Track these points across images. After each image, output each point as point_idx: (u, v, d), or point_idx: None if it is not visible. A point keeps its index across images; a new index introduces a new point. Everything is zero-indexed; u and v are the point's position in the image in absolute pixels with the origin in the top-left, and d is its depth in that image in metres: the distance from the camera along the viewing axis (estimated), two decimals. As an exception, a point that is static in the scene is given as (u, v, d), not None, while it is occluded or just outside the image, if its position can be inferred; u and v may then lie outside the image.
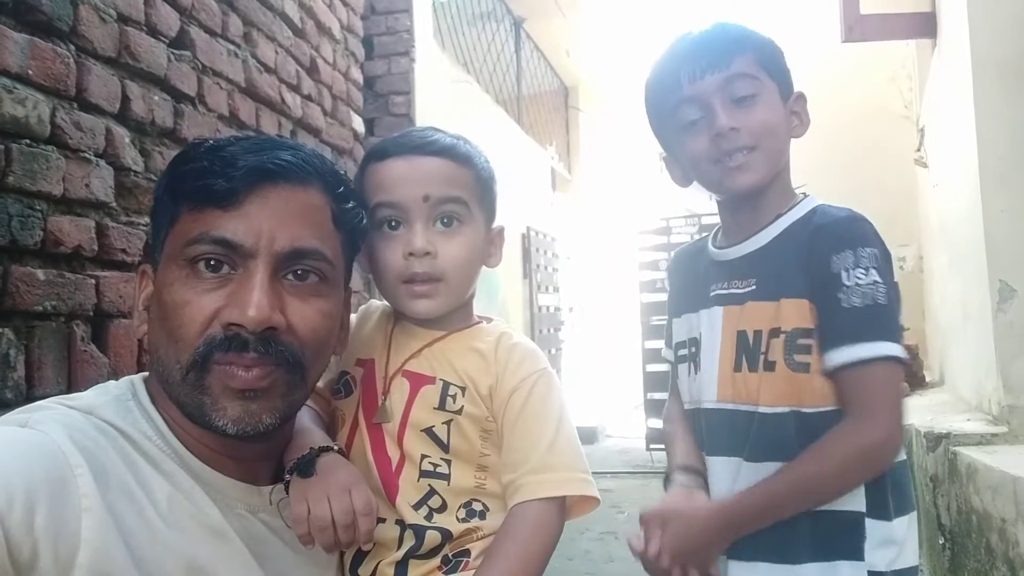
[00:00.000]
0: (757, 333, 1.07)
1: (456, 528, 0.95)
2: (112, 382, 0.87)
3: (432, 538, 0.94)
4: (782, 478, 1.02)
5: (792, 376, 1.03)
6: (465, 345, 1.02)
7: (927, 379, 4.18)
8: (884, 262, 1.02)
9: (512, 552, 0.91)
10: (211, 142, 0.85)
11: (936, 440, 2.43)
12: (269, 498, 0.88)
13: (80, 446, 0.72)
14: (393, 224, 1.00)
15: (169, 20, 1.98)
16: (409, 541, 0.94)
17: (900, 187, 5.09)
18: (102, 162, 1.69)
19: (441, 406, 0.97)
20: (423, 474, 0.96)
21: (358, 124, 3.30)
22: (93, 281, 1.63)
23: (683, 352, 1.21)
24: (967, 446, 2.27)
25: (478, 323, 1.07)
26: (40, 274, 1.49)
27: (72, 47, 1.62)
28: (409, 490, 0.95)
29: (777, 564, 1.04)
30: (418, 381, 0.99)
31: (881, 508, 1.04)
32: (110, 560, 0.69)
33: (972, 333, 2.80)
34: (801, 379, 1.03)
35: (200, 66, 2.11)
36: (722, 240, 1.18)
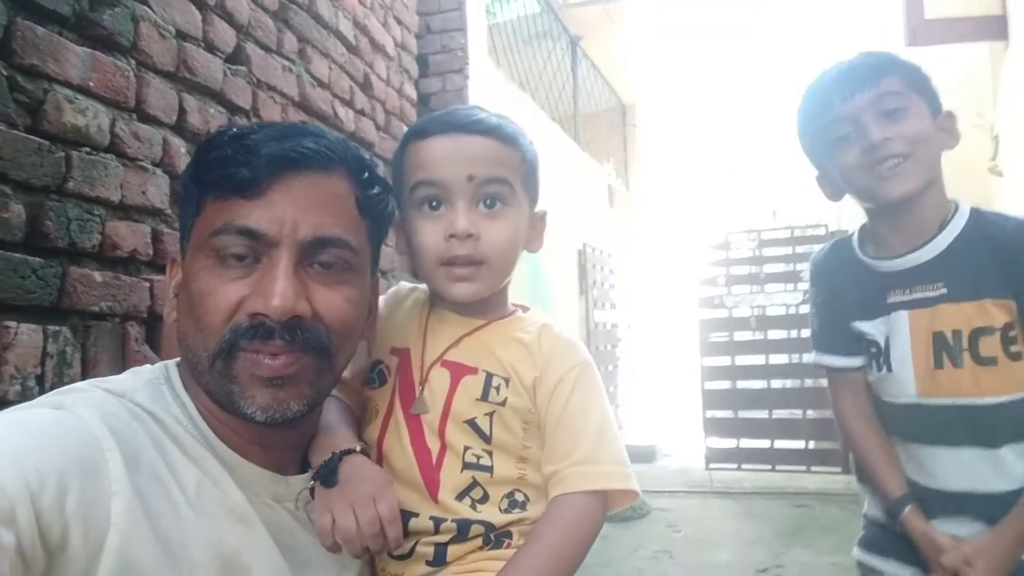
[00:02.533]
0: (956, 332, 1.18)
1: (499, 520, 0.93)
2: (147, 366, 0.88)
3: (476, 531, 0.92)
4: None
5: (1013, 366, 1.16)
6: (507, 335, 0.99)
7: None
8: None
9: (553, 540, 0.89)
10: (235, 130, 0.85)
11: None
12: (295, 490, 0.87)
13: (112, 429, 0.73)
14: (435, 204, 0.96)
15: (226, 37, 2.06)
16: (450, 532, 0.92)
17: (976, 198, 4.87)
18: (158, 171, 1.76)
19: (484, 397, 0.95)
20: (466, 466, 0.93)
21: (411, 139, 3.35)
22: (147, 284, 1.69)
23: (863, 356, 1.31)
24: None
25: (515, 312, 1.04)
26: (97, 276, 1.55)
27: (132, 61, 1.70)
28: (451, 482, 0.93)
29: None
30: (459, 371, 0.97)
31: None
32: (137, 544, 0.69)
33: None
34: (1019, 367, 1.16)
35: (255, 80, 2.19)
36: (880, 250, 1.28)
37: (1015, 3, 3.17)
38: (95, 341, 1.55)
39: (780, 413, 6.08)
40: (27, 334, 1.39)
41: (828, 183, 1.30)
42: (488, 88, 4.52)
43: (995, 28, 3.45)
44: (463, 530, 0.92)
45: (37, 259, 1.43)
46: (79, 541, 0.66)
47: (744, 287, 6.28)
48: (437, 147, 0.96)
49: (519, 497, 0.95)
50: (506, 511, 0.94)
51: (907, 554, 1.25)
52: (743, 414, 6.09)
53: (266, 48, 2.26)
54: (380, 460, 0.97)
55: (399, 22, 3.34)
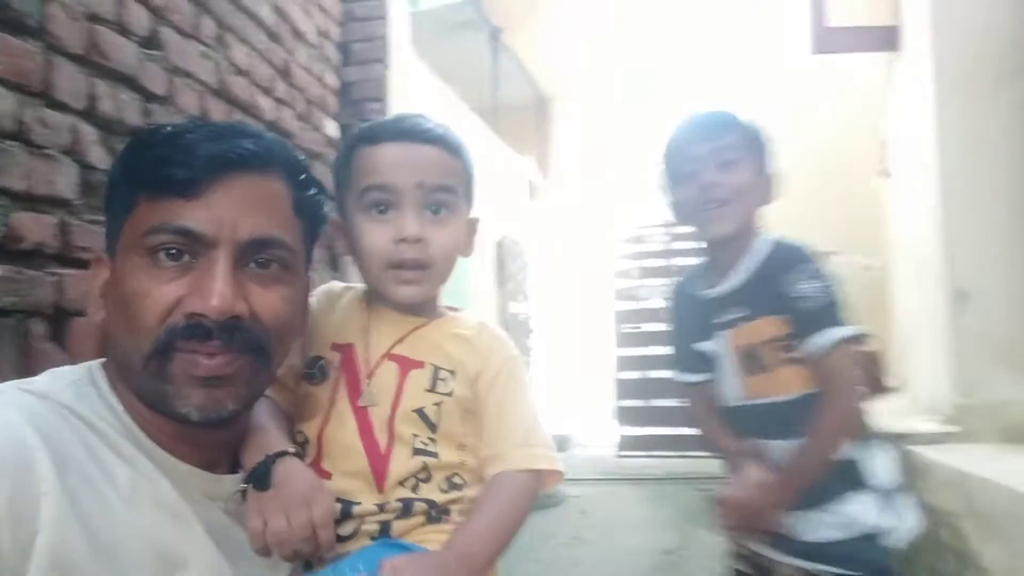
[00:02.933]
0: (758, 345, 1.42)
1: (440, 499, 0.98)
2: (67, 367, 0.86)
3: (419, 508, 0.97)
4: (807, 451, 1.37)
5: (791, 370, 1.38)
6: (449, 331, 1.06)
7: (889, 385, 4.25)
8: (822, 272, 1.38)
9: (498, 510, 0.97)
10: (169, 129, 0.84)
11: (892, 440, 2.48)
12: (227, 489, 0.88)
13: (38, 430, 0.72)
14: (383, 208, 1.01)
15: (141, 19, 1.98)
16: (394, 512, 0.96)
17: (865, 198, 5.20)
18: (68, 159, 1.69)
19: (432, 388, 1.00)
20: (416, 451, 0.98)
21: (332, 129, 3.31)
22: (53, 279, 1.62)
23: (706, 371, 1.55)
24: (921, 445, 2.33)
25: (453, 310, 1.11)
26: None
27: (41, 44, 1.63)
28: (401, 468, 0.97)
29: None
30: (407, 364, 1.01)
31: None
32: (70, 543, 0.69)
33: (931, 338, 2.87)
34: (793, 371, 1.38)
35: (172, 66, 2.11)
36: (708, 281, 1.52)
37: (908, 15, 3.41)
38: (-1, 337, 1.48)
39: (689, 401, 6.30)
40: (-75, 330, 1.32)
41: (675, 209, 1.54)
42: (410, 78, 4.49)
43: (890, 38, 3.69)
44: (407, 509, 0.97)
45: (-64, 252, 1.35)
46: (8, 543, 0.66)
47: (657, 279, 6.49)
48: (388, 153, 1.01)
49: (457, 480, 1.01)
50: (445, 491, 0.99)
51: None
52: (654, 403, 6.31)
53: (183, 33, 2.19)
54: (320, 454, 0.99)
55: (321, 9, 3.28)
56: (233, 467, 0.91)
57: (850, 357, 1.37)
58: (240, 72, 2.52)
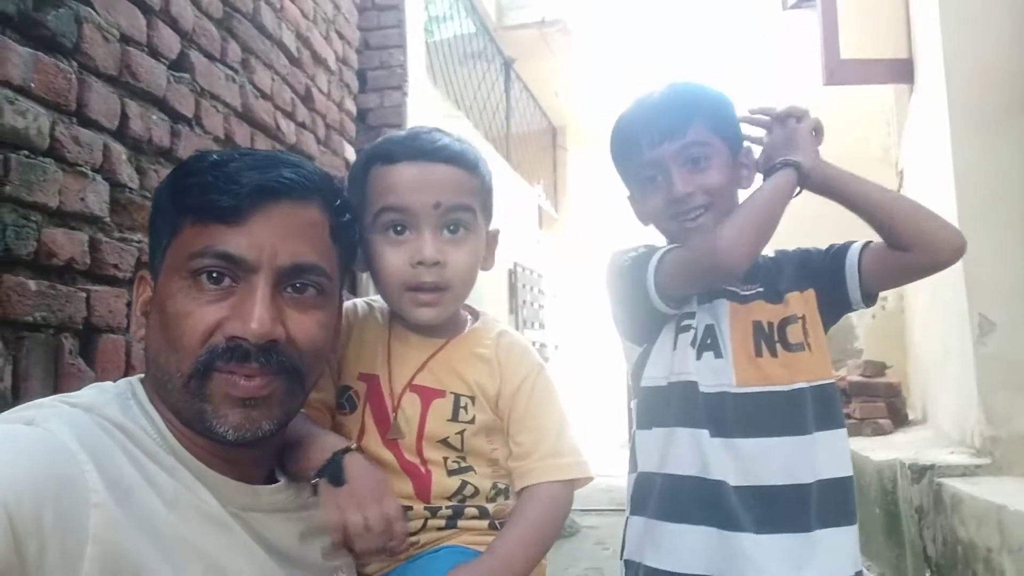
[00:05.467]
0: (769, 323, 1.22)
1: (491, 507, 1.02)
2: (109, 382, 0.87)
3: (470, 512, 1.00)
4: None
5: (811, 355, 1.21)
6: (468, 352, 1.05)
7: (910, 417, 4.21)
8: None
9: (535, 520, 0.97)
10: (215, 156, 0.87)
11: (920, 472, 2.44)
12: (264, 500, 0.89)
13: (85, 444, 0.73)
14: (399, 229, 0.99)
15: (170, 43, 2.01)
16: (447, 516, 1.00)
17: (881, 229, 5.18)
18: (98, 177, 1.70)
19: (455, 417, 1.01)
20: (451, 472, 1.00)
21: (350, 153, 3.33)
22: (84, 294, 1.62)
23: None
24: (951, 477, 2.29)
25: (471, 323, 1.09)
26: (32, 284, 1.48)
27: (75, 64, 1.65)
28: (441, 488, 0.99)
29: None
30: (429, 395, 1.02)
31: None
32: (121, 554, 0.70)
33: (954, 368, 2.84)
34: (813, 357, 1.21)
35: (198, 89, 2.14)
36: None
37: (920, 48, 3.43)
38: (27, 353, 1.48)
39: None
40: (-44, 345, 1.31)
41: (637, 207, 1.31)
42: (425, 105, 4.54)
43: (902, 71, 3.72)
44: (458, 513, 1.00)
45: (-31, 266, 1.36)
46: (57, 555, 0.66)
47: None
48: (404, 174, 0.99)
49: (500, 484, 1.04)
50: (492, 499, 1.03)
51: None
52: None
53: (210, 56, 2.22)
54: None
55: (340, 36, 3.33)
56: (267, 480, 0.92)
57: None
58: (263, 96, 2.54)
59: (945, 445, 2.88)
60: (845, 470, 1.18)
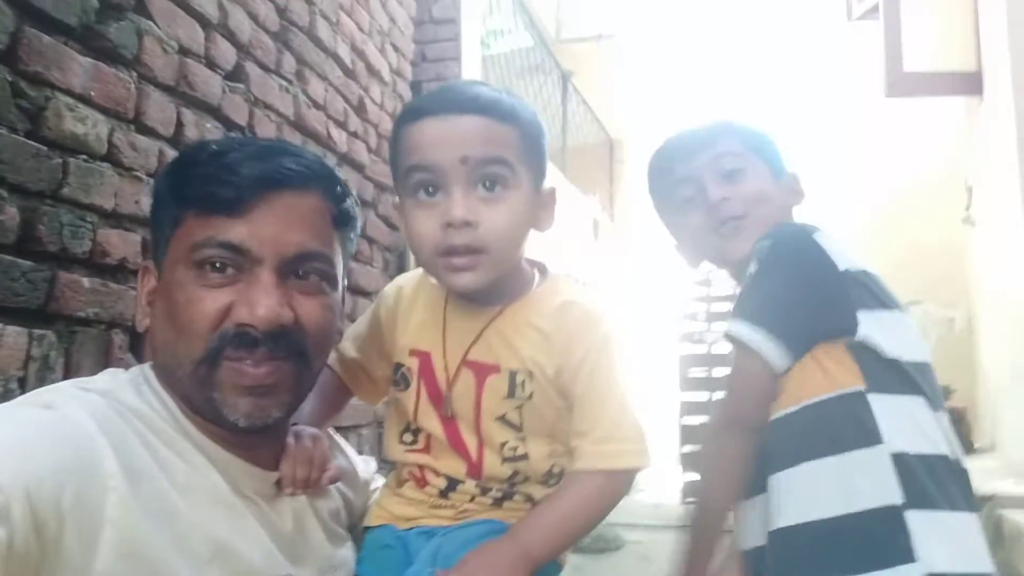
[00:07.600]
0: None
1: (540, 493, 0.99)
2: (120, 368, 0.90)
3: (519, 498, 0.99)
4: None
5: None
6: (524, 321, 0.96)
7: (976, 444, 4.01)
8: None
9: (563, 512, 0.93)
10: (214, 147, 0.88)
11: (980, 502, 2.32)
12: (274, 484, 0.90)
13: (101, 427, 0.74)
14: (430, 190, 0.92)
15: (227, 55, 2.10)
16: (493, 499, 0.99)
17: (949, 247, 4.98)
18: (153, 181, 1.78)
19: (511, 394, 0.95)
20: (505, 459, 0.97)
21: (402, 163, 3.39)
22: (135, 293, 1.69)
23: None
24: (1013, 509, 2.17)
25: (538, 282, 1.01)
26: (86, 282, 1.56)
27: (134, 74, 1.73)
28: (493, 472, 0.98)
29: None
30: (483, 371, 0.96)
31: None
32: (135, 538, 0.71)
33: (1022, 394, 2.70)
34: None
35: (253, 98, 2.22)
36: None
37: (989, 61, 3.30)
38: (79, 347, 1.55)
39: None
40: (12, 336, 1.39)
41: (685, 250, 1.27)
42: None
43: (970, 84, 3.58)
44: (508, 495, 0.99)
45: (27, 262, 1.43)
46: (74, 537, 0.67)
47: (725, 323, 6.32)
48: (428, 129, 0.91)
49: (556, 469, 1.00)
50: (543, 484, 1.00)
51: None
52: (719, 451, 6.08)
53: (265, 68, 2.30)
54: (428, 446, 1.03)
55: (395, 48, 3.40)
56: (279, 465, 0.93)
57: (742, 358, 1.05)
58: (316, 106, 2.62)
59: (1011, 474, 2.73)
60: None
